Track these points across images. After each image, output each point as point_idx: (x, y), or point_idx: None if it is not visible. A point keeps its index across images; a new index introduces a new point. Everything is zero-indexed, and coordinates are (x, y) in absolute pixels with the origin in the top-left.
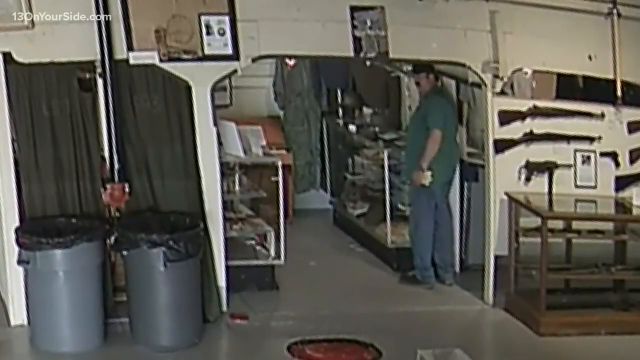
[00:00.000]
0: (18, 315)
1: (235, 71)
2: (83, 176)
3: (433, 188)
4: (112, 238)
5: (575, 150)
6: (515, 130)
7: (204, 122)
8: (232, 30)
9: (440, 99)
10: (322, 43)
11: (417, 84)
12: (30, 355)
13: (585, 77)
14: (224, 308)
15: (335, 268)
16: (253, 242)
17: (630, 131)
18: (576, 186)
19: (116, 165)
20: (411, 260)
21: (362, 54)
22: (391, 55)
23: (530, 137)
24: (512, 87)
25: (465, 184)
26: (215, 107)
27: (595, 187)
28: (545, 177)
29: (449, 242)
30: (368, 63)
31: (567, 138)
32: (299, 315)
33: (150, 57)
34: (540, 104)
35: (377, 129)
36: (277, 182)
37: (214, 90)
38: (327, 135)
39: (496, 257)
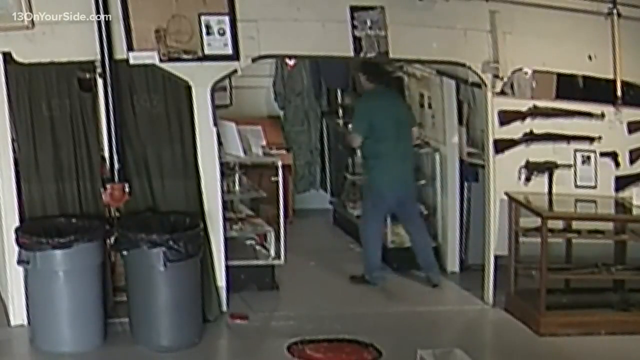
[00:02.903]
0: (18, 315)
1: (235, 71)
2: (83, 176)
3: (382, 192)
4: (112, 238)
5: (575, 150)
6: (515, 130)
7: (204, 122)
8: (232, 30)
9: (366, 103)
10: (322, 43)
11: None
12: (30, 355)
13: (585, 77)
14: (224, 308)
15: (335, 268)
16: (253, 242)
17: (630, 131)
18: (576, 186)
19: (116, 165)
20: (410, 261)
21: (362, 54)
22: (391, 55)
23: (530, 137)
24: (512, 87)
25: (465, 184)
26: (215, 107)
27: (595, 187)
28: (545, 177)
29: (428, 247)
30: None
31: (567, 138)
32: (299, 315)
33: (150, 57)
34: (540, 104)
35: None
36: (277, 182)
37: (214, 90)
38: (327, 135)
39: (496, 257)
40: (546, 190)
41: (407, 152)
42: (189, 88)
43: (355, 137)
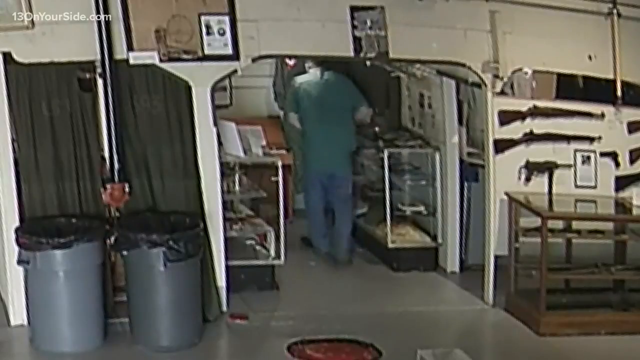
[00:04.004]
0: (18, 315)
1: (235, 71)
2: (83, 176)
3: (310, 166)
4: (112, 238)
5: (575, 150)
6: (515, 130)
7: (204, 122)
8: (232, 30)
9: (295, 83)
10: (322, 43)
11: None
12: (30, 355)
13: (585, 77)
14: (224, 308)
15: (335, 268)
16: (253, 242)
17: (630, 131)
18: (576, 186)
19: (116, 165)
20: (410, 261)
21: (362, 54)
22: (391, 55)
23: (530, 137)
24: (512, 87)
25: (465, 184)
26: (215, 107)
27: (595, 187)
28: (545, 177)
29: (346, 230)
30: (368, 63)
31: (567, 138)
32: (299, 315)
33: (150, 57)
34: (540, 104)
35: (377, 129)
36: (277, 182)
37: (214, 90)
38: None
39: (496, 257)
40: (546, 190)
41: (337, 134)
42: (189, 88)
43: (289, 115)
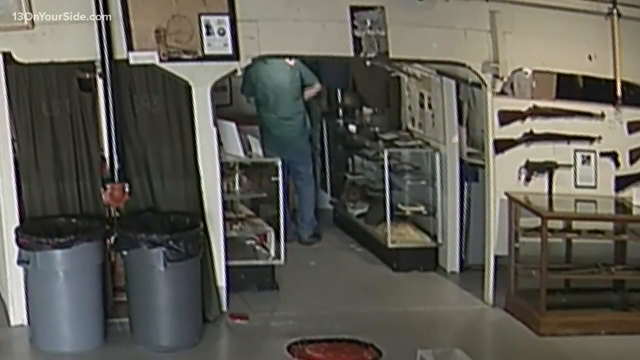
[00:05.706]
0: (18, 315)
1: (235, 71)
2: (83, 176)
3: (271, 150)
4: (112, 238)
5: (575, 150)
6: (515, 130)
7: (204, 122)
8: (232, 30)
9: (252, 68)
10: (322, 43)
11: None
12: (30, 355)
13: (585, 77)
14: (224, 308)
15: (335, 268)
16: (253, 242)
17: (630, 131)
18: (576, 186)
19: (116, 165)
20: (410, 261)
21: (362, 54)
22: (391, 55)
23: (530, 137)
24: (512, 87)
25: (465, 184)
26: (215, 107)
27: (595, 187)
28: (545, 177)
29: (309, 205)
30: (368, 63)
31: (567, 138)
32: (299, 315)
33: (150, 57)
34: (540, 104)
35: (377, 129)
36: (277, 182)
37: (214, 90)
38: (327, 135)
39: (496, 257)
40: (546, 190)
41: (292, 118)
42: (189, 88)
43: (248, 99)
